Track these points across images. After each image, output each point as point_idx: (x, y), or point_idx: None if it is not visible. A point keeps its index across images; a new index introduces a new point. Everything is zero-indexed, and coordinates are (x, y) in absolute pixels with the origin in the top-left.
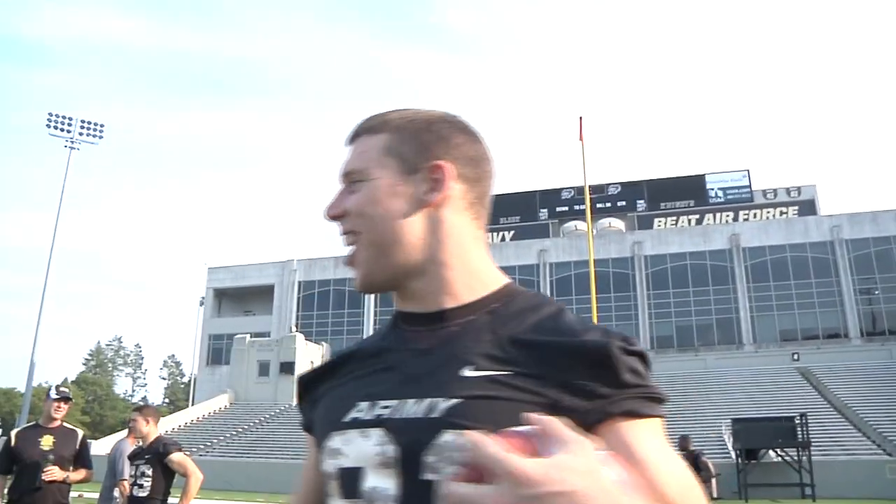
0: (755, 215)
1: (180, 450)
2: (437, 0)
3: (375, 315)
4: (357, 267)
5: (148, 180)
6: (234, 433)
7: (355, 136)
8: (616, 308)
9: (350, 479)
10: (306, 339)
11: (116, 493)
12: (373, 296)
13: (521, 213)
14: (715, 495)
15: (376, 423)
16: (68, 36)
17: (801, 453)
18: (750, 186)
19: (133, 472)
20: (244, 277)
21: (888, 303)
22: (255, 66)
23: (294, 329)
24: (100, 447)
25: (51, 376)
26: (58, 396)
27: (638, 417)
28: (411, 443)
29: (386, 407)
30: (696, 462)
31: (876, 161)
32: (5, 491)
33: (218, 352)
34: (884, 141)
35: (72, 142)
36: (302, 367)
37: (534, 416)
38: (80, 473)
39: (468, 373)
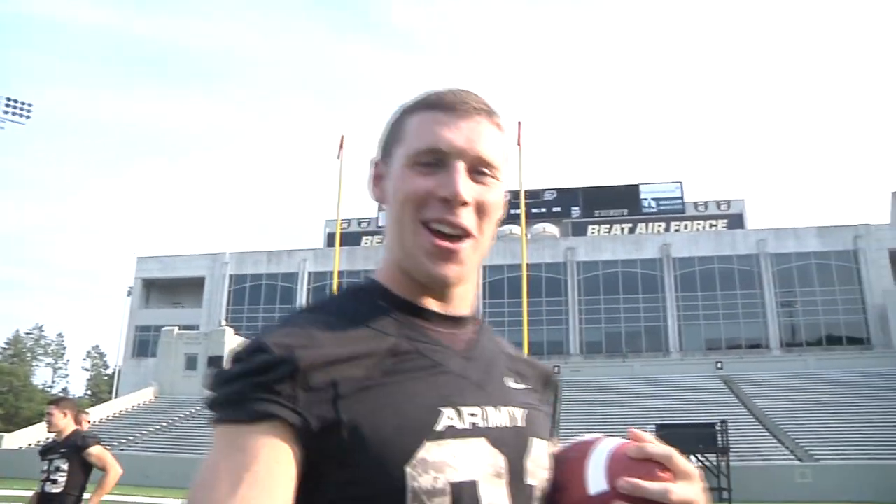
0: (686, 226)
1: (99, 443)
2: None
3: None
4: (457, 266)
5: (78, 164)
6: (158, 427)
7: (480, 113)
8: (547, 313)
9: (467, 494)
10: (236, 333)
11: None
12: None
13: None
14: None
15: (475, 432)
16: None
17: (720, 458)
18: (682, 198)
19: (46, 468)
20: (174, 269)
21: (806, 315)
22: (197, 53)
23: (224, 323)
24: (13, 440)
25: None
26: None
27: None
28: (515, 452)
29: (473, 415)
30: None
31: (801, 179)
32: None
33: (144, 344)
34: (809, 160)
35: None
36: None
37: (636, 431)
38: None
39: (511, 384)
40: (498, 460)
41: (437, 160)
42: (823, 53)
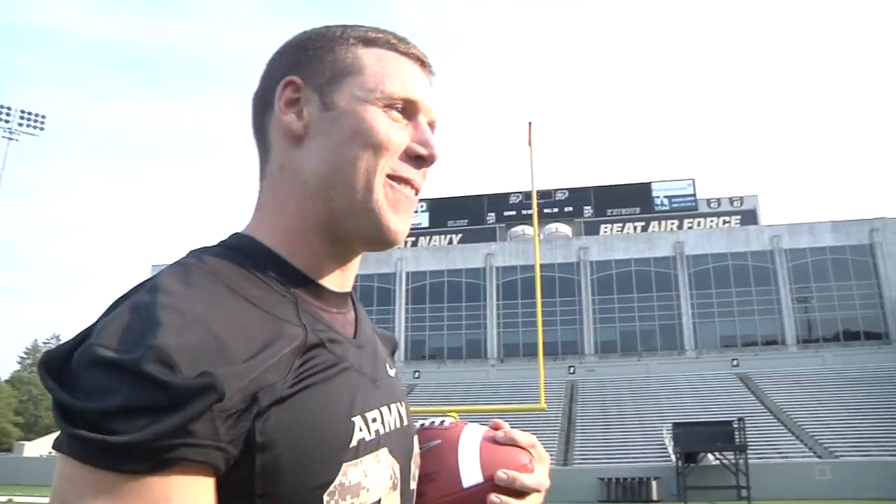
0: (699, 224)
1: None
2: None
3: None
4: (407, 229)
5: (91, 172)
6: None
7: (432, 72)
8: (561, 313)
9: None
10: None
11: None
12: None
13: (468, 216)
14: (655, 497)
15: (378, 443)
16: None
17: (738, 456)
18: (695, 195)
19: None
20: None
21: (823, 311)
22: (207, 58)
23: None
24: (33, 448)
25: None
26: None
27: None
28: (404, 455)
29: (374, 420)
30: None
31: (814, 173)
32: None
33: None
34: (822, 155)
35: (10, 132)
36: None
37: (498, 421)
38: None
39: (391, 372)
40: (394, 469)
41: (404, 111)
42: (836, 47)
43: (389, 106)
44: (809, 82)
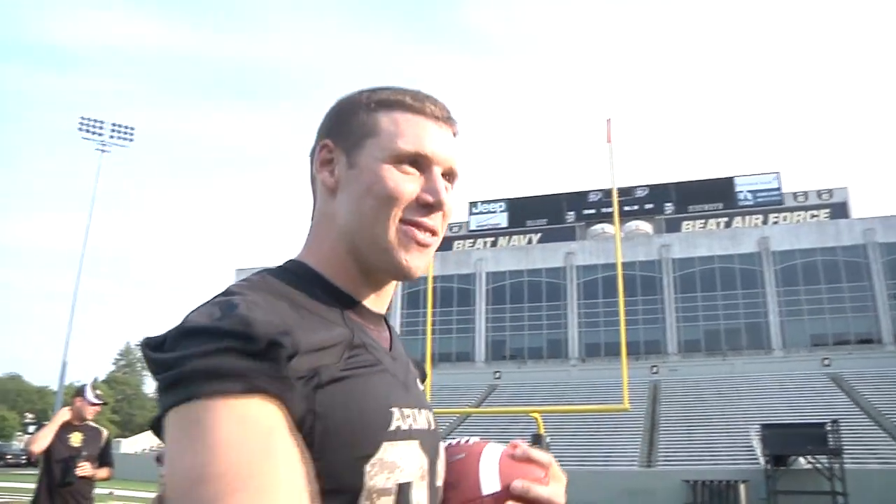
0: (785, 218)
1: None
2: (460, 1)
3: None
4: (426, 261)
5: (178, 182)
6: None
7: (450, 123)
8: (643, 312)
9: (405, 494)
10: None
11: None
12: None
13: (547, 215)
14: (743, 501)
15: (411, 434)
16: (99, 40)
17: (832, 461)
18: (780, 189)
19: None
20: None
21: None
22: (282, 69)
23: None
24: (130, 445)
25: (82, 375)
26: (97, 402)
27: None
28: (432, 454)
29: (408, 417)
30: None
31: None
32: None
33: None
34: None
35: (103, 145)
36: None
37: (516, 441)
38: (105, 471)
39: (420, 385)
40: (423, 462)
41: (417, 164)
42: None
43: (401, 161)
44: None
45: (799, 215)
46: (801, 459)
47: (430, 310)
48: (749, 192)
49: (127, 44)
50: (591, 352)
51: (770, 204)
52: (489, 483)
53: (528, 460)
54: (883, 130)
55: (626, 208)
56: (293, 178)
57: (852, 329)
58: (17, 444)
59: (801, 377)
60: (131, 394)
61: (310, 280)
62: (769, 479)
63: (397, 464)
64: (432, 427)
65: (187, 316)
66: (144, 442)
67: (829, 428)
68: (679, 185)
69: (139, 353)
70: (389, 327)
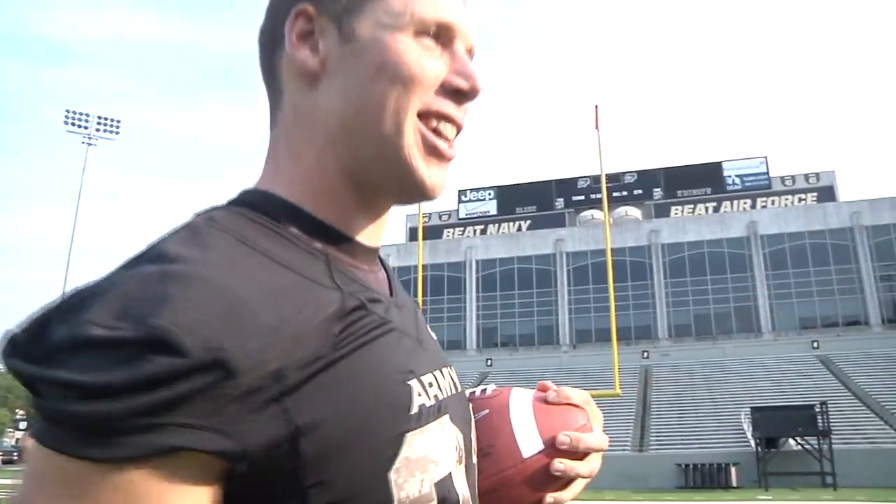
0: (773, 202)
1: None
2: None
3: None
4: (447, 175)
5: (167, 175)
6: None
7: None
8: (633, 297)
9: (447, 492)
10: None
11: None
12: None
13: (537, 202)
14: (735, 483)
15: (440, 409)
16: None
17: (821, 442)
18: (768, 173)
19: None
20: None
21: None
22: None
23: None
24: None
25: None
26: None
27: None
28: (465, 424)
29: (431, 385)
30: None
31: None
32: None
33: None
34: None
35: (89, 138)
36: None
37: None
38: None
39: (432, 333)
40: (459, 440)
41: (438, 37)
42: None
43: (421, 32)
44: (887, 53)
45: (787, 199)
46: (791, 441)
47: (420, 298)
48: (737, 176)
49: (114, 36)
50: (582, 338)
51: (758, 188)
52: (529, 442)
53: (566, 402)
54: (869, 115)
55: (615, 194)
56: None
57: (840, 311)
58: (9, 440)
59: (790, 360)
60: None
61: (279, 214)
62: (760, 461)
63: (429, 457)
64: (459, 388)
65: (90, 302)
66: None
67: (818, 409)
68: (667, 171)
69: None
70: (384, 264)
